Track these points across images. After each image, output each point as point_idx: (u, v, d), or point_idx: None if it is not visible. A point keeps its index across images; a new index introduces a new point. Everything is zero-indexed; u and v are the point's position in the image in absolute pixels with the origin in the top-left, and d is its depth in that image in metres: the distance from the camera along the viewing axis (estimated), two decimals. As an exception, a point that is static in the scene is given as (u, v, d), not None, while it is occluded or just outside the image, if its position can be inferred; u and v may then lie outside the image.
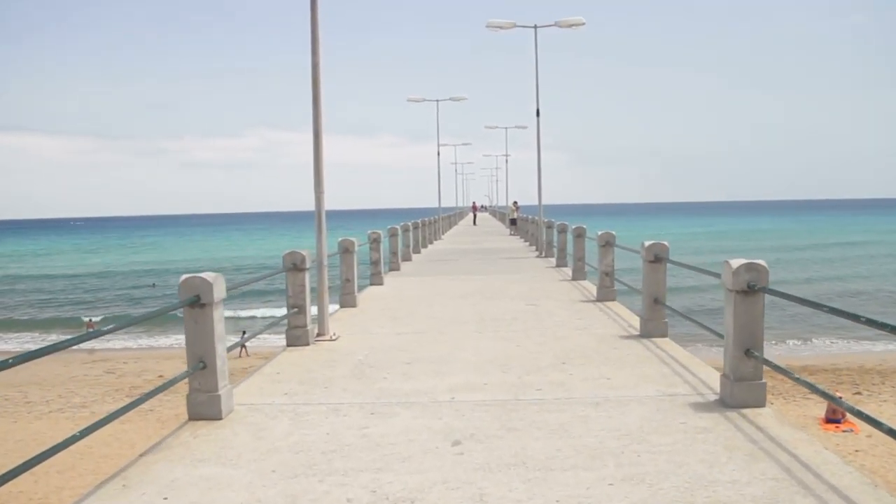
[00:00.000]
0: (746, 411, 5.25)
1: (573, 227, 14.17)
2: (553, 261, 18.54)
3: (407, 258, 20.04)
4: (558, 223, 17.06)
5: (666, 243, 8.14)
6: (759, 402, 5.37)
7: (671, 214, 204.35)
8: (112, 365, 28.81)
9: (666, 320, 8.18)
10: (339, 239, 11.19)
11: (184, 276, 5.46)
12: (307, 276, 8.18)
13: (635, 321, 9.04)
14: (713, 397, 5.69)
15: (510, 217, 36.10)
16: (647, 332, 8.12)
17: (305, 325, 8.14)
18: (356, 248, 11.18)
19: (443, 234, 36.48)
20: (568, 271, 15.94)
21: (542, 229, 20.68)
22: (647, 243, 8.13)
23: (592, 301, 11.18)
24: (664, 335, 8.10)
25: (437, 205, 35.36)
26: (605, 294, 11.11)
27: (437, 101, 33.44)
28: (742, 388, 5.37)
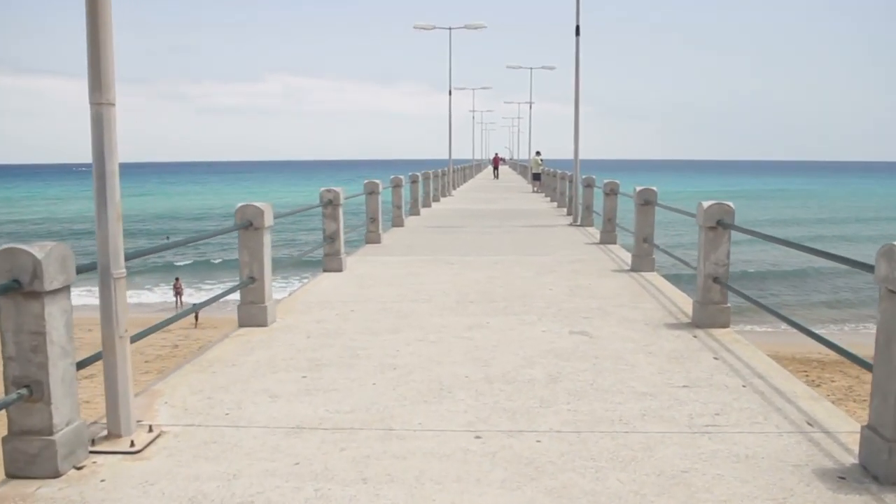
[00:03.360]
0: None
1: (638, 189, 9.15)
2: (594, 233, 13.57)
3: (398, 223, 15.15)
4: (605, 182, 12.04)
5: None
6: None
7: (699, 173, 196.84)
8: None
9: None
10: (239, 205, 6.30)
11: None
12: (50, 306, 3.32)
13: (821, 410, 4.15)
14: None
15: (533, 171, 30.93)
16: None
17: (50, 431, 3.31)
18: (268, 223, 6.28)
19: (454, 188, 31.46)
20: (620, 252, 11.00)
21: (578, 189, 15.64)
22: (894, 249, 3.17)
23: (687, 325, 6.27)
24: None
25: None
26: (714, 316, 6.18)
27: (450, 28, 28.00)
28: None
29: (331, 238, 9.22)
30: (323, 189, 9.22)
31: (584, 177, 14.96)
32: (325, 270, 9.27)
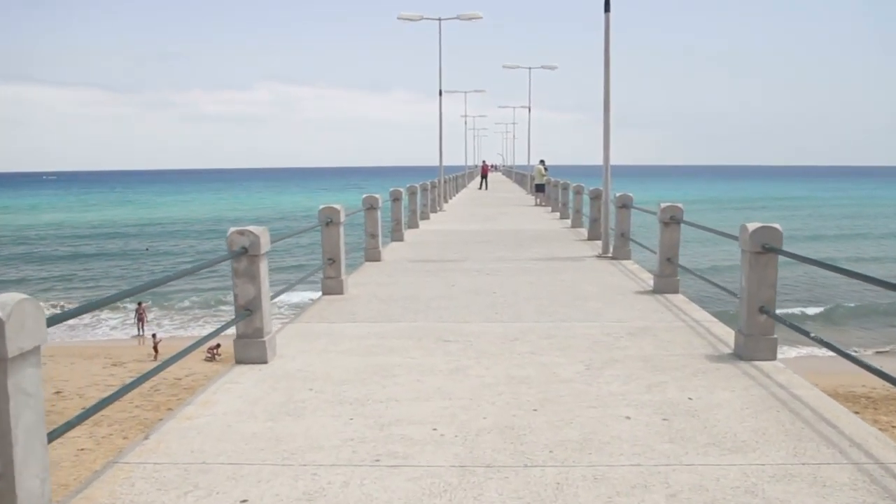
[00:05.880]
0: None
1: (752, 228, 5.53)
2: (638, 273, 10.05)
3: (374, 256, 11.55)
4: (664, 206, 8.46)
5: None
6: None
7: (701, 179, 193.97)
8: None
9: None
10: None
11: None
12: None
13: None
14: None
15: (536, 182, 27.32)
16: None
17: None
18: (22, 347, 2.69)
19: (447, 200, 27.89)
20: (695, 312, 7.45)
21: (606, 209, 12.06)
22: None
23: None
24: None
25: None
26: None
27: (440, 19, 24.40)
28: None
29: (247, 310, 5.61)
30: (233, 230, 5.60)
31: (618, 194, 11.39)
32: (238, 361, 5.68)
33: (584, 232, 15.87)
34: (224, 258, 5.58)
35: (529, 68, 37.39)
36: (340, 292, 8.58)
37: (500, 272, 10.16)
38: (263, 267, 5.69)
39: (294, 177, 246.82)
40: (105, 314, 27.17)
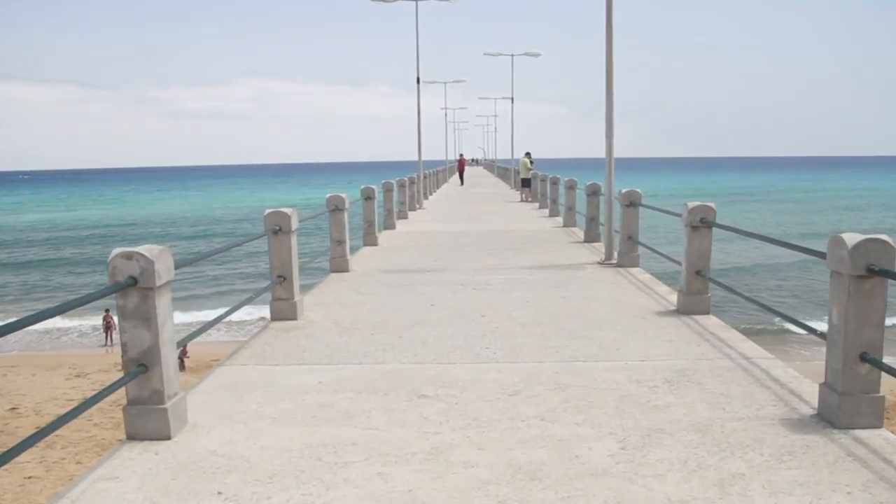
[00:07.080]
0: None
1: (852, 243, 3.93)
2: (652, 285, 8.45)
3: (341, 266, 9.89)
4: (692, 207, 6.84)
5: None
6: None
7: (678, 171, 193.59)
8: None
9: None
10: None
11: None
12: None
13: None
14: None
15: (521, 176, 25.68)
16: None
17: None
18: None
19: (427, 197, 26.23)
20: (739, 343, 5.85)
21: (609, 207, 10.43)
22: None
23: None
24: None
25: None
26: None
27: (417, 0, 22.69)
28: None
29: (141, 365, 3.94)
30: (117, 252, 3.92)
31: (623, 191, 9.78)
32: (130, 437, 4.01)
33: (578, 232, 14.32)
34: (104, 293, 3.88)
35: (512, 55, 35.85)
36: (293, 317, 6.89)
37: (488, 286, 8.51)
38: (163, 304, 4.01)
39: (277, 173, 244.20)
40: (74, 321, 25.37)
